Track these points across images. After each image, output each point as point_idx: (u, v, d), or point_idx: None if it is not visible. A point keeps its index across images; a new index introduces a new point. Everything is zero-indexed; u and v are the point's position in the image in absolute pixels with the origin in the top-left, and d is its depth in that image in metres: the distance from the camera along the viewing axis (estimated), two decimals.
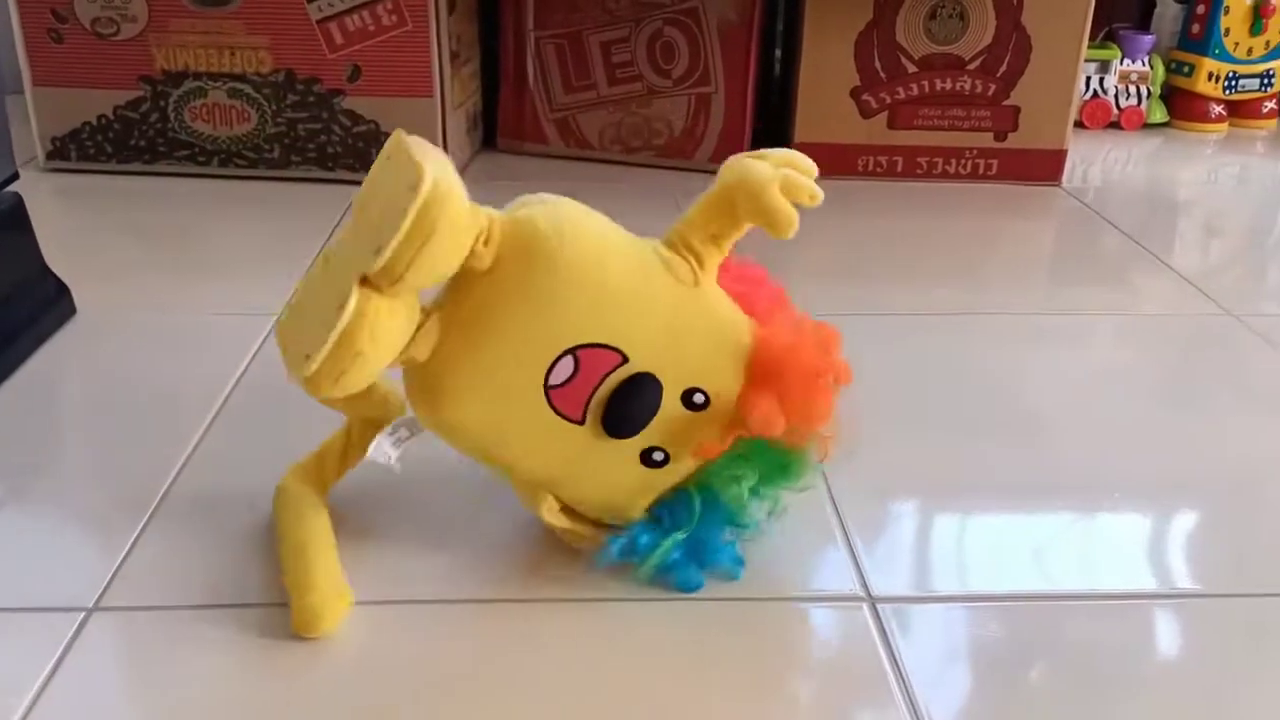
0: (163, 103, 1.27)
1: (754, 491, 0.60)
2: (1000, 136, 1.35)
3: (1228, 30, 1.62)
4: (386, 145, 0.55)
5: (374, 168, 0.56)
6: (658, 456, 0.60)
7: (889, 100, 1.33)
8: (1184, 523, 0.71)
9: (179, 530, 0.66)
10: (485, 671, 0.56)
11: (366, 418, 0.66)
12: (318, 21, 1.23)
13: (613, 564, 0.61)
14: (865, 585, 0.63)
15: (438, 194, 0.51)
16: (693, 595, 0.61)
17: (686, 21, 1.33)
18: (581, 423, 0.58)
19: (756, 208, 0.57)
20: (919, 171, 1.36)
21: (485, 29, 1.43)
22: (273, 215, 1.21)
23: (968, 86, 1.33)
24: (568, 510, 0.62)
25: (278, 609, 0.59)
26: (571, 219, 0.58)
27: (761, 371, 0.59)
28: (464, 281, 0.57)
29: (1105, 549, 0.68)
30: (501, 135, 1.45)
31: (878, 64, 1.32)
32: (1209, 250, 1.24)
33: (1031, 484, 0.74)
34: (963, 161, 1.36)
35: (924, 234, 1.22)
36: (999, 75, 1.32)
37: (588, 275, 0.57)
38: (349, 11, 1.23)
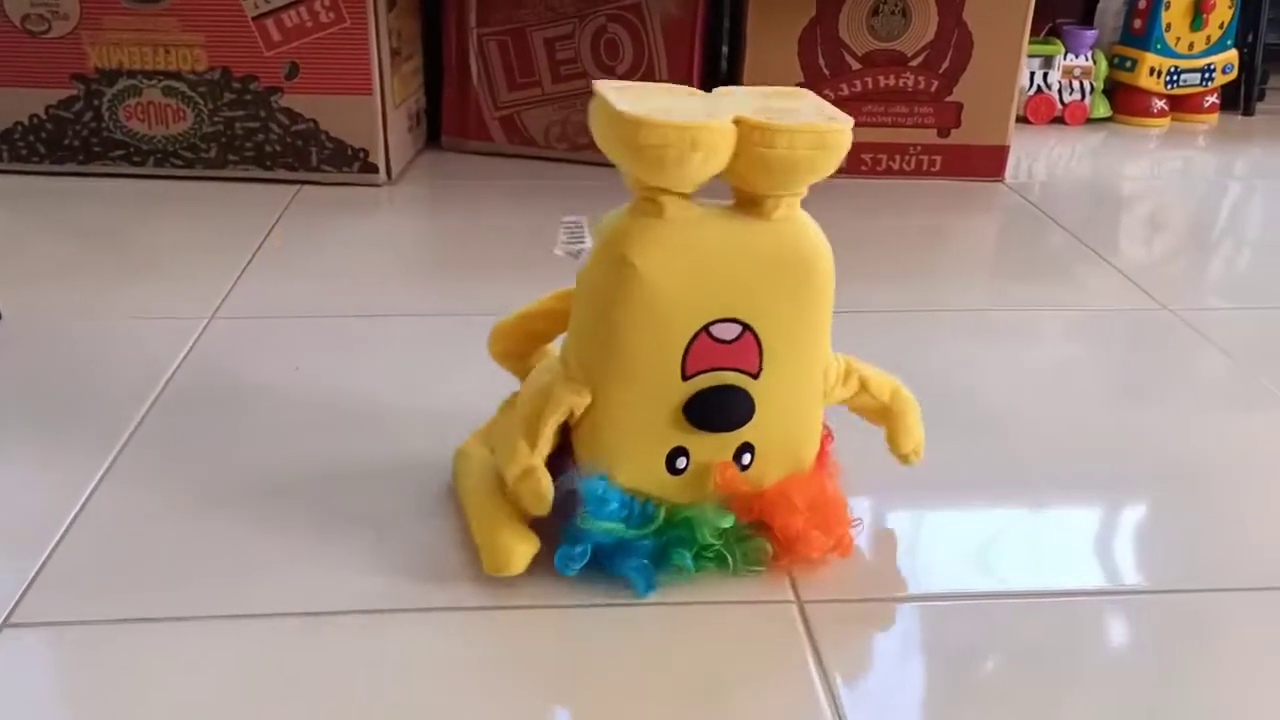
0: (96, 102, 1.25)
1: (717, 549, 0.62)
2: (943, 133, 1.35)
3: (1169, 25, 1.64)
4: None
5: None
6: (680, 464, 0.61)
7: (833, 97, 1.33)
8: (1130, 518, 0.72)
9: (96, 544, 0.65)
10: (413, 676, 0.55)
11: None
12: (254, 18, 1.21)
13: (576, 572, 0.61)
14: (794, 588, 0.63)
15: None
16: (622, 601, 0.61)
17: (630, 18, 1.33)
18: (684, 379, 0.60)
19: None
20: (863, 168, 1.37)
21: (428, 26, 1.41)
22: (209, 216, 1.19)
23: (911, 83, 1.33)
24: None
25: (214, 621, 0.58)
26: None
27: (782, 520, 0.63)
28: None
29: (1053, 546, 0.68)
30: (446, 133, 1.44)
31: (821, 60, 1.32)
32: (1149, 245, 1.25)
33: (980, 481, 0.75)
34: (907, 158, 1.36)
35: (869, 231, 1.22)
36: (941, 72, 1.32)
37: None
38: (286, 8, 1.21)
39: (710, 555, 0.63)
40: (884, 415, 0.67)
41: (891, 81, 1.33)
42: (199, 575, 0.62)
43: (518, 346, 0.69)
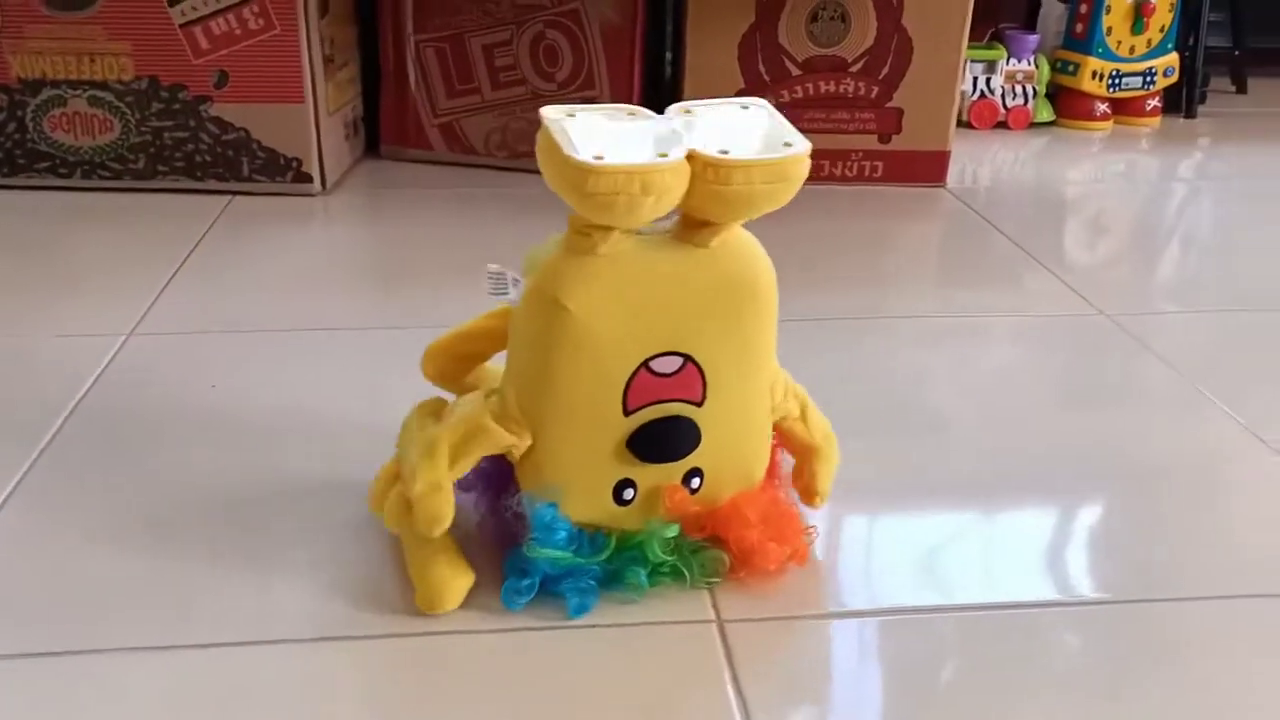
0: (20, 112, 1.22)
1: (672, 563, 0.61)
2: (885, 138, 1.35)
3: (1110, 29, 1.65)
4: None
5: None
6: (628, 495, 0.60)
7: (774, 103, 1.32)
8: (1080, 527, 0.71)
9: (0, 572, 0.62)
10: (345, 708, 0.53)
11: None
12: (181, 26, 1.19)
13: (523, 605, 0.60)
14: (715, 607, 0.61)
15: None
16: (551, 625, 0.59)
17: (568, 24, 1.31)
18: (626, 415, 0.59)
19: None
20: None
21: (365, 32, 1.39)
22: (136, 228, 1.17)
23: (851, 89, 1.32)
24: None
25: (135, 654, 0.56)
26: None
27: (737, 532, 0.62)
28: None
29: (1005, 557, 0.67)
30: (384, 141, 1.41)
31: (762, 67, 1.31)
32: (1089, 250, 1.25)
33: (929, 489, 0.74)
34: (849, 164, 1.36)
35: (813, 238, 1.21)
36: (881, 77, 1.32)
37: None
38: (213, 15, 1.18)
39: (665, 571, 0.62)
40: (808, 452, 0.66)
41: (832, 87, 1.32)
42: (115, 604, 0.60)
43: (453, 367, 0.67)
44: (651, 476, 0.60)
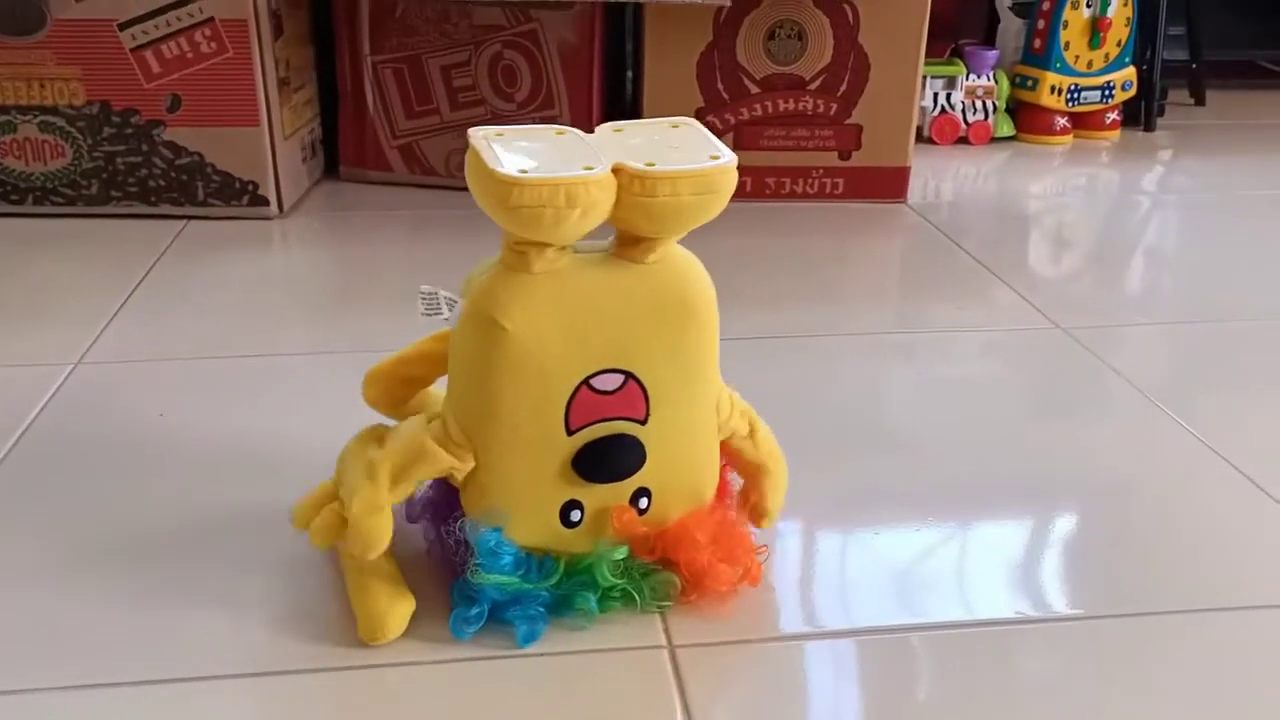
0: None
1: (622, 587, 0.60)
2: (844, 155, 1.35)
3: (1067, 44, 1.66)
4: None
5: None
6: (575, 516, 0.59)
7: (733, 121, 1.32)
8: (1044, 542, 0.70)
9: None
10: None
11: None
12: (132, 50, 1.17)
13: (471, 635, 0.59)
14: (666, 632, 0.60)
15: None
16: (501, 654, 0.58)
17: (526, 44, 1.31)
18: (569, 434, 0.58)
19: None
20: (768, 192, 1.36)
21: (322, 54, 1.38)
22: (89, 255, 1.15)
23: (810, 106, 1.32)
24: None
25: (73, 692, 0.54)
26: None
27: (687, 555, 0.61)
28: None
29: (965, 574, 0.67)
30: (344, 163, 1.40)
31: (720, 85, 1.31)
32: (1049, 265, 1.25)
33: (886, 507, 0.73)
34: (810, 181, 1.36)
35: (775, 254, 1.21)
36: (840, 94, 1.32)
37: None
38: (164, 39, 1.17)
39: (616, 595, 0.61)
40: (757, 471, 0.65)
41: (791, 105, 1.32)
42: (53, 641, 0.59)
43: (393, 392, 0.66)
44: (598, 497, 0.60)
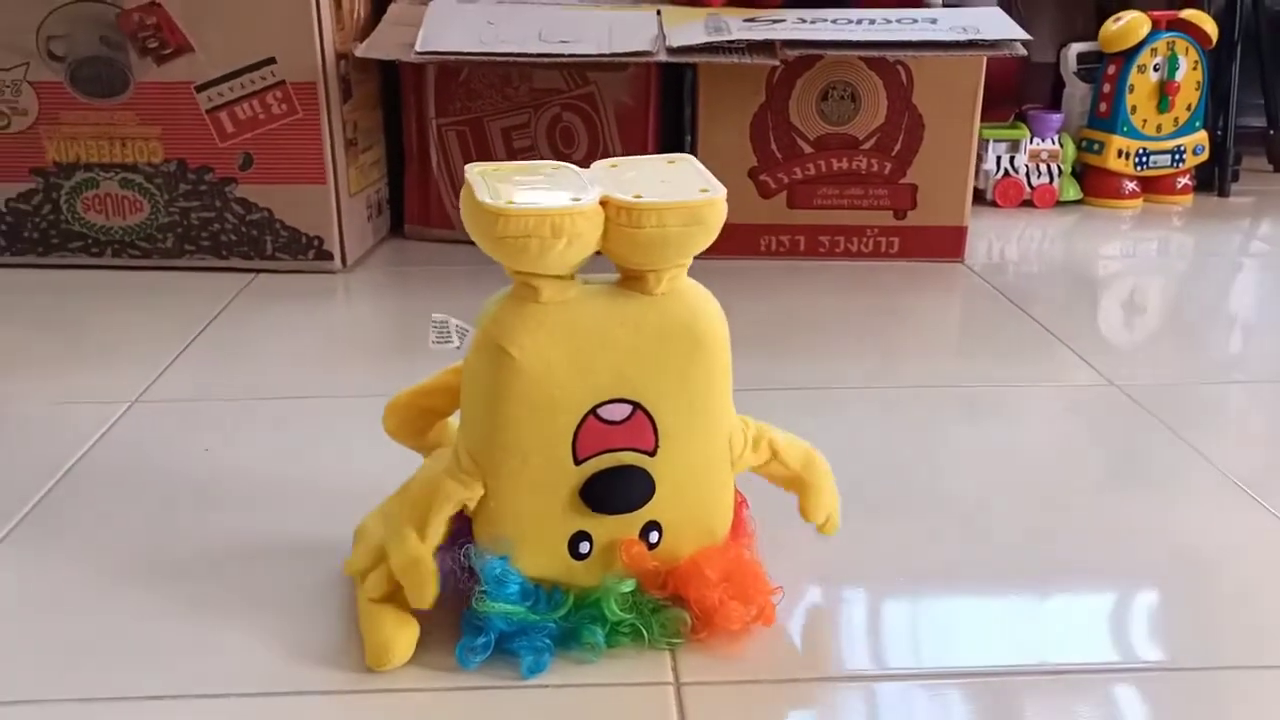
0: (55, 194, 1.27)
1: (631, 622, 0.60)
2: (900, 214, 1.35)
3: (1134, 108, 1.64)
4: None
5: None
6: (584, 548, 0.60)
7: (787, 180, 1.33)
8: (1132, 606, 0.67)
9: None
10: None
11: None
12: (208, 111, 1.23)
13: (478, 664, 0.59)
14: (675, 669, 0.60)
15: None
16: (505, 684, 0.58)
17: (584, 106, 1.34)
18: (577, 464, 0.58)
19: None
20: (821, 250, 1.36)
21: (391, 118, 1.43)
22: (159, 305, 1.20)
23: (864, 165, 1.33)
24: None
25: (94, 704, 0.56)
26: None
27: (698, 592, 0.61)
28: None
29: (993, 627, 0.65)
30: (409, 221, 1.45)
31: (774, 144, 1.32)
32: (1115, 328, 1.23)
33: (936, 561, 0.71)
34: (864, 240, 1.36)
35: (829, 311, 1.21)
36: (894, 154, 1.33)
37: None
38: (239, 101, 1.23)
39: (625, 630, 0.60)
40: (796, 484, 0.65)
41: (845, 164, 1.33)
42: (79, 657, 0.60)
43: (412, 423, 0.68)
44: (608, 529, 0.60)
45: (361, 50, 1.28)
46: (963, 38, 1.19)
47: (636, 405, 0.58)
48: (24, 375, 1.00)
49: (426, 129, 1.39)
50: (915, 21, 1.23)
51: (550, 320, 0.57)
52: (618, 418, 0.58)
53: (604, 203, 0.56)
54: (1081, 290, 1.33)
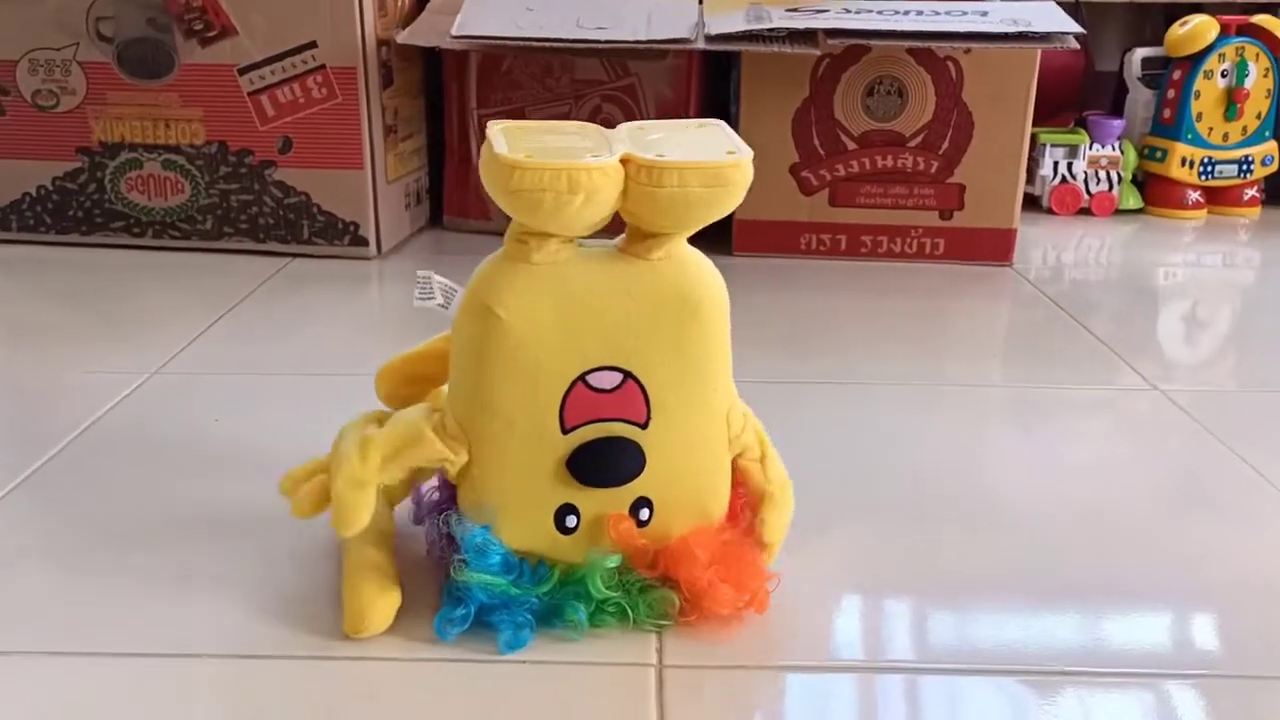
0: (100, 174, 1.28)
1: (616, 600, 0.58)
2: (946, 215, 1.31)
3: (1200, 115, 1.58)
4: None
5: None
6: (570, 522, 0.57)
7: (829, 177, 1.30)
8: (1193, 625, 0.63)
9: None
10: None
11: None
12: (249, 94, 1.24)
13: (456, 636, 0.57)
14: (659, 650, 0.57)
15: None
16: (482, 657, 0.56)
17: (624, 98, 1.33)
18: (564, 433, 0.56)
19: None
20: (863, 250, 1.33)
21: (433, 108, 1.43)
22: (195, 284, 1.20)
23: (909, 164, 1.29)
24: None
25: (64, 658, 0.55)
26: None
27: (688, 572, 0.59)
28: None
29: (1014, 629, 0.61)
30: (447, 212, 1.44)
31: (816, 140, 1.29)
32: (1170, 341, 1.17)
33: (957, 566, 0.67)
34: (908, 240, 1.32)
35: (870, 312, 1.17)
36: (941, 152, 1.29)
37: None
38: (279, 84, 1.23)
39: (610, 609, 0.58)
40: (763, 499, 0.62)
41: (890, 162, 1.30)
42: (57, 610, 0.60)
43: (404, 389, 0.66)
44: (596, 503, 0.57)
45: (403, 37, 1.28)
46: (1013, 29, 1.15)
47: (628, 374, 0.56)
48: (57, 348, 1.01)
49: (467, 119, 1.39)
50: (965, 14, 1.19)
51: (540, 281, 0.55)
52: (607, 386, 0.56)
53: (625, 161, 0.54)
54: (1139, 302, 1.27)
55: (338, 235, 1.28)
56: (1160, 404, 0.93)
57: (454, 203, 1.43)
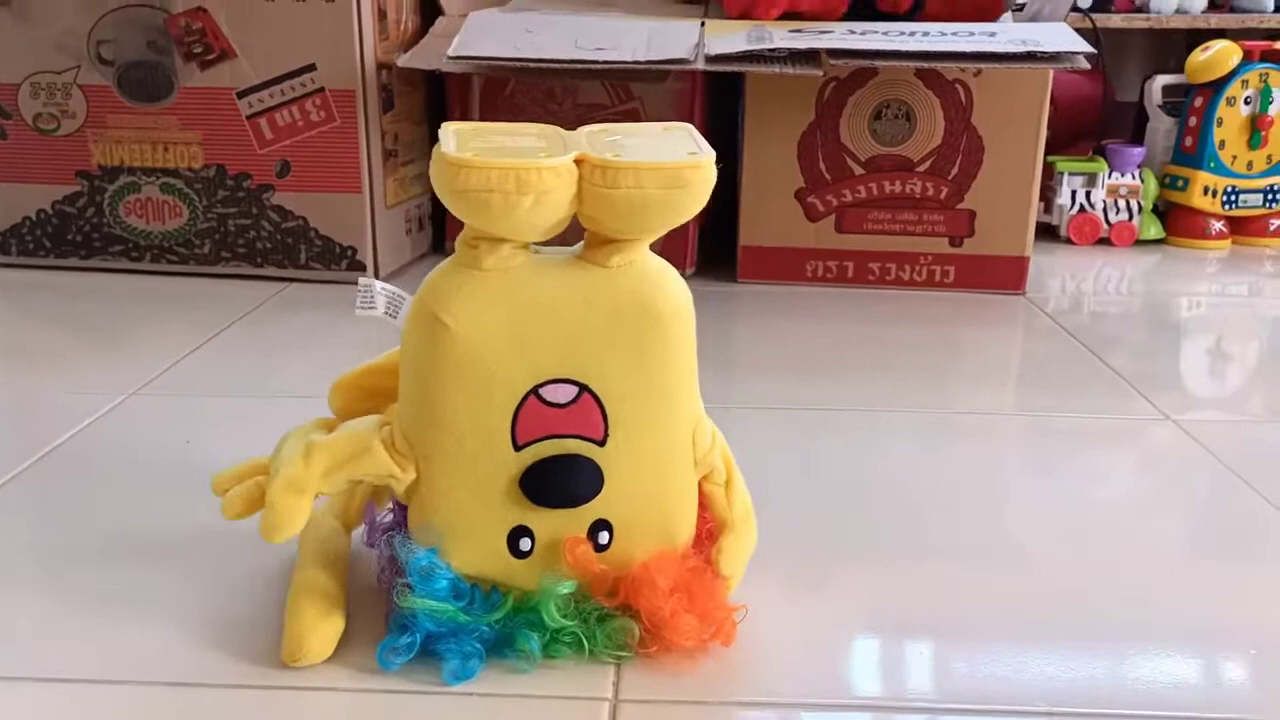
0: (99, 198, 1.28)
1: (572, 630, 0.54)
2: (956, 242, 1.27)
3: (1223, 143, 1.54)
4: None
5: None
6: (524, 545, 0.54)
7: (836, 203, 1.27)
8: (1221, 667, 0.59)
9: None
10: None
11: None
12: (248, 117, 1.23)
13: (400, 666, 0.54)
14: (616, 684, 0.54)
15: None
16: (429, 689, 0.53)
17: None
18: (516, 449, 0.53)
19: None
20: (871, 277, 1.29)
21: (437, 133, 1.42)
22: (189, 309, 1.19)
23: (918, 189, 1.26)
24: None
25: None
26: None
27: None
28: None
29: (1038, 665, 0.57)
30: (449, 238, 1.42)
31: (822, 165, 1.26)
32: (1201, 380, 1.12)
33: (948, 604, 0.64)
34: (917, 268, 1.29)
35: (878, 341, 1.13)
36: (951, 177, 1.26)
37: None
38: (278, 107, 1.22)
39: (566, 639, 0.54)
40: (722, 528, 0.58)
41: (898, 187, 1.27)
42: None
43: (358, 403, 0.63)
44: (552, 525, 0.54)
45: (404, 60, 1.27)
46: (1021, 49, 1.12)
47: (584, 387, 0.53)
48: (40, 368, 1.00)
49: None
50: (972, 34, 1.16)
51: (490, 289, 0.53)
52: (562, 400, 0.53)
53: (580, 161, 0.51)
54: (1159, 334, 1.23)
55: (335, 260, 1.27)
56: (1179, 438, 0.89)
57: (456, 228, 1.41)
